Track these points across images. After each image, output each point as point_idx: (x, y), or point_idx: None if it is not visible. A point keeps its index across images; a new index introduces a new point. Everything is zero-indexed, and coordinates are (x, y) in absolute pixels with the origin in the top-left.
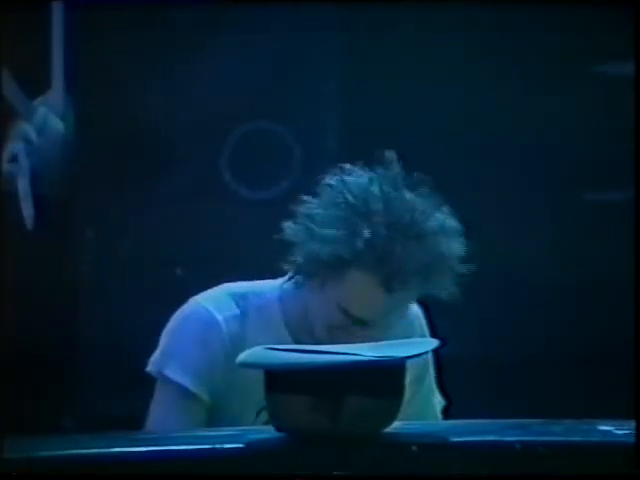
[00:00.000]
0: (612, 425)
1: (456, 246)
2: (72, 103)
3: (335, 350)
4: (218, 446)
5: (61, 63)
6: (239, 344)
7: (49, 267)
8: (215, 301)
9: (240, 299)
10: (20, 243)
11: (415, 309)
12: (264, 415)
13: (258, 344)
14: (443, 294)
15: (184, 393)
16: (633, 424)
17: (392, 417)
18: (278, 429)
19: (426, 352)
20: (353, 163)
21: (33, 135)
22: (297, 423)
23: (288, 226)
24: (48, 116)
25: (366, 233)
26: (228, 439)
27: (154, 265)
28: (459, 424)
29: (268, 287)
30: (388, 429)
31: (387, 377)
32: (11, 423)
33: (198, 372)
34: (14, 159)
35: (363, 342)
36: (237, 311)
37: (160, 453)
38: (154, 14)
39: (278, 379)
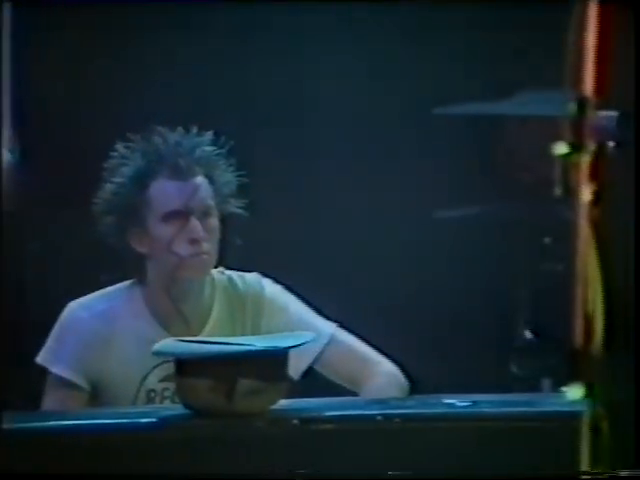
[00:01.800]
0: (455, 398)
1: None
2: (19, 134)
3: (231, 342)
4: (136, 420)
5: (8, 97)
6: (108, 333)
7: None
8: (83, 303)
9: (105, 298)
10: None
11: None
12: (143, 394)
13: (126, 329)
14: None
15: (63, 381)
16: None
17: (278, 396)
18: (185, 406)
19: (304, 343)
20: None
21: None
22: (200, 402)
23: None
24: None
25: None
26: (145, 415)
27: (86, 271)
28: (333, 401)
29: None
30: (274, 406)
31: (273, 364)
32: None
33: (73, 363)
34: None
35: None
36: (103, 306)
37: (88, 426)
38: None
39: (186, 366)
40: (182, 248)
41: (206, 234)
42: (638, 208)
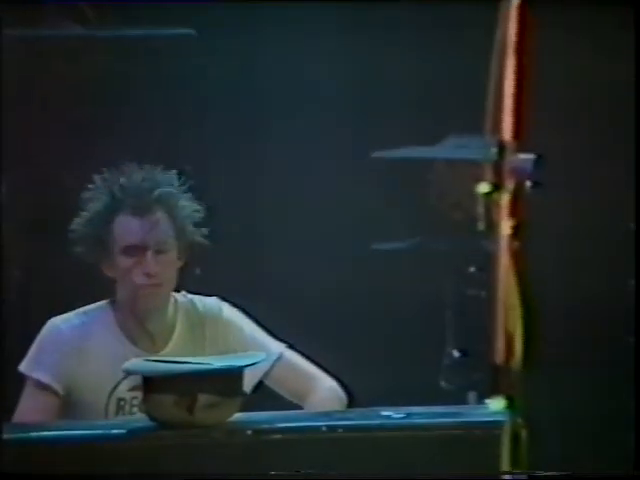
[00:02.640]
0: (391, 411)
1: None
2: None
3: (192, 361)
4: (107, 431)
5: None
6: (84, 345)
7: None
8: (63, 317)
9: (82, 314)
10: None
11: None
12: (114, 402)
13: (99, 343)
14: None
15: (42, 386)
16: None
17: (233, 410)
18: (150, 419)
19: (258, 362)
20: None
21: None
22: (165, 414)
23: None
24: None
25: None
26: (115, 426)
27: (64, 293)
28: (283, 414)
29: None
30: (231, 418)
31: (229, 381)
32: None
33: (52, 369)
34: None
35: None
36: (80, 321)
37: (64, 437)
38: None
39: (151, 382)
40: (138, 278)
41: (160, 267)
42: (638, 215)
